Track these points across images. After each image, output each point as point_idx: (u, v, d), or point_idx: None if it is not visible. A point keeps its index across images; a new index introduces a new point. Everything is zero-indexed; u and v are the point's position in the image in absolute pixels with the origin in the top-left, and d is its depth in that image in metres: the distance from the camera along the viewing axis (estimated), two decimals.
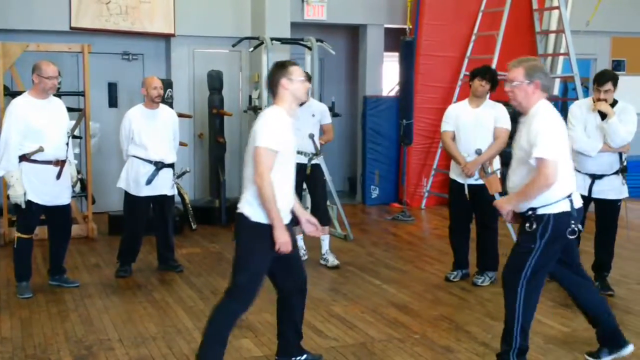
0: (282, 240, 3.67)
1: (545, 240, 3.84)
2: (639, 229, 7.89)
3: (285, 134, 3.71)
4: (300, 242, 6.60)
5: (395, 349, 4.50)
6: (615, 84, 5.29)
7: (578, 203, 3.93)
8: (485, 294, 5.64)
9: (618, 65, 10.94)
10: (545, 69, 3.96)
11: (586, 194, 5.34)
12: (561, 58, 10.08)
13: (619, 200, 5.52)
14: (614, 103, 5.34)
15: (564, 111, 10.41)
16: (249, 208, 3.70)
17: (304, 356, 4.14)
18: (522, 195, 3.86)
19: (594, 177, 5.41)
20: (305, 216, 4.03)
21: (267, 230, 3.67)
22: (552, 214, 3.83)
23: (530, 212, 3.87)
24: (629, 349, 4.18)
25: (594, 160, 5.37)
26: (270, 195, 3.60)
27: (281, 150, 3.65)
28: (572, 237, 3.90)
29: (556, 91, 10.32)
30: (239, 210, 3.76)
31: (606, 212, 5.50)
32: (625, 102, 5.39)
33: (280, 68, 3.80)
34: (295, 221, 6.38)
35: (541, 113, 3.84)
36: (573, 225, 3.85)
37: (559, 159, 3.76)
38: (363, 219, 8.82)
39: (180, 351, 4.40)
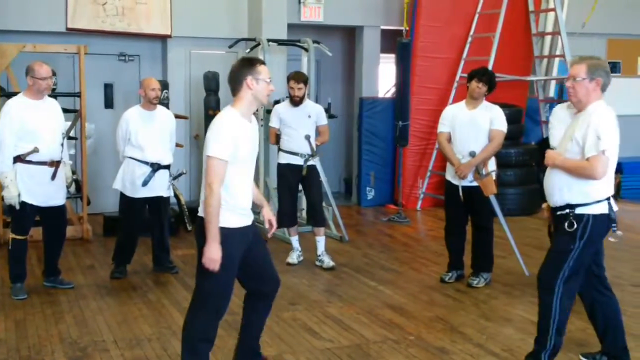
0: (210, 256, 3.45)
1: (584, 241, 3.85)
2: (634, 230, 7.92)
3: (238, 138, 3.52)
4: (296, 244, 6.61)
5: (390, 350, 4.51)
6: None
7: (616, 207, 3.94)
8: (480, 295, 5.64)
9: (613, 67, 10.95)
10: (607, 68, 3.94)
11: None
12: (557, 60, 10.11)
13: None
14: None
15: None
16: None
17: None
18: (570, 164, 3.85)
19: None
20: (265, 208, 3.88)
21: (230, 234, 3.53)
22: (592, 215, 3.84)
23: (568, 211, 3.87)
24: None
25: None
26: (215, 207, 3.44)
27: (234, 156, 3.49)
28: (615, 240, 3.93)
29: (552, 93, 10.35)
30: (200, 214, 3.60)
31: None
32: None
33: (247, 65, 3.57)
34: (291, 222, 6.45)
35: (601, 111, 3.84)
36: (614, 228, 3.87)
37: (612, 157, 3.79)
38: (358, 220, 8.82)
39: (175, 352, 4.38)
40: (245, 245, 3.68)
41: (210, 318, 3.69)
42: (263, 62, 3.66)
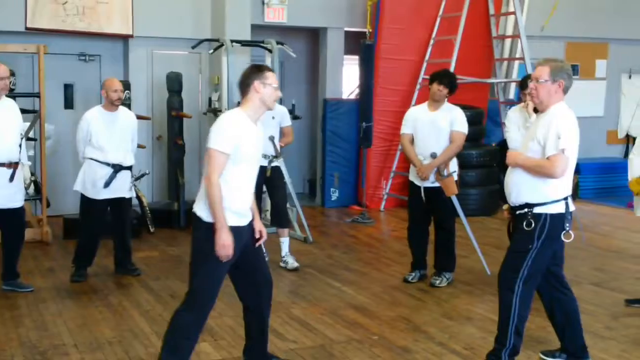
0: (222, 243, 3.56)
1: (542, 240, 3.91)
2: (592, 230, 8.09)
3: (242, 137, 3.63)
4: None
5: (354, 350, 4.53)
6: None
7: (572, 207, 4.01)
8: (442, 294, 5.71)
9: (572, 70, 11.17)
10: (569, 71, 4.02)
11: None
12: (517, 62, 10.28)
13: None
14: None
15: None
16: (203, 208, 3.65)
17: None
18: (530, 162, 3.91)
19: None
20: (256, 218, 3.93)
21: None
22: (549, 214, 3.90)
23: (526, 210, 3.93)
24: None
25: None
26: (216, 197, 3.55)
27: (236, 153, 3.59)
28: (568, 240, 3.98)
29: (512, 95, 10.51)
30: (193, 210, 3.71)
31: None
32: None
33: (256, 70, 3.75)
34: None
35: (562, 112, 3.91)
36: (567, 228, 3.94)
37: (571, 158, 3.87)
38: (322, 221, 8.85)
39: (137, 355, 4.35)
40: (239, 244, 3.70)
41: (197, 315, 3.74)
42: (271, 70, 3.81)
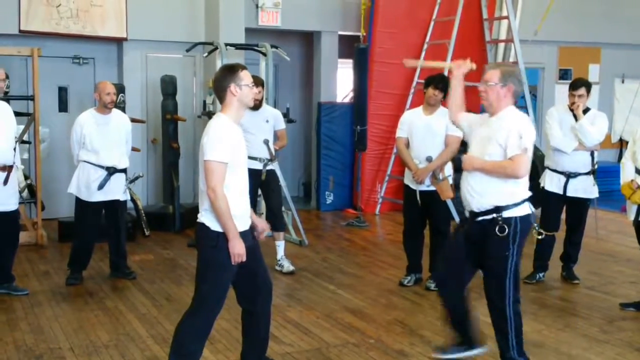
0: (237, 252, 3.60)
1: (517, 243, 3.93)
2: (588, 235, 8.09)
3: (234, 142, 3.64)
4: None
5: (351, 353, 4.53)
6: (588, 90, 5.76)
7: (532, 207, 4.05)
8: (438, 298, 5.69)
9: (565, 74, 11.24)
10: (520, 77, 4.08)
11: (561, 192, 5.81)
12: None
13: (589, 200, 5.94)
14: (586, 110, 5.76)
15: None
16: (209, 217, 3.65)
17: None
18: (491, 165, 3.91)
19: (569, 176, 5.77)
20: (254, 217, 3.96)
21: (228, 240, 3.63)
22: (519, 217, 3.92)
23: (495, 215, 3.90)
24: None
25: (570, 159, 5.77)
26: (224, 208, 3.55)
27: (231, 160, 3.60)
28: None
29: None
30: (199, 220, 3.70)
31: (577, 209, 5.92)
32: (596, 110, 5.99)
33: (228, 73, 3.68)
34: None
35: (514, 115, 3.97)
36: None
37: (531, 157, 3.91)
38: (318, 224, 8.85)
39: (133, 359, 4.34)
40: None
41: (204, 320, 3.76)
42: (244, 68, 3.73)
